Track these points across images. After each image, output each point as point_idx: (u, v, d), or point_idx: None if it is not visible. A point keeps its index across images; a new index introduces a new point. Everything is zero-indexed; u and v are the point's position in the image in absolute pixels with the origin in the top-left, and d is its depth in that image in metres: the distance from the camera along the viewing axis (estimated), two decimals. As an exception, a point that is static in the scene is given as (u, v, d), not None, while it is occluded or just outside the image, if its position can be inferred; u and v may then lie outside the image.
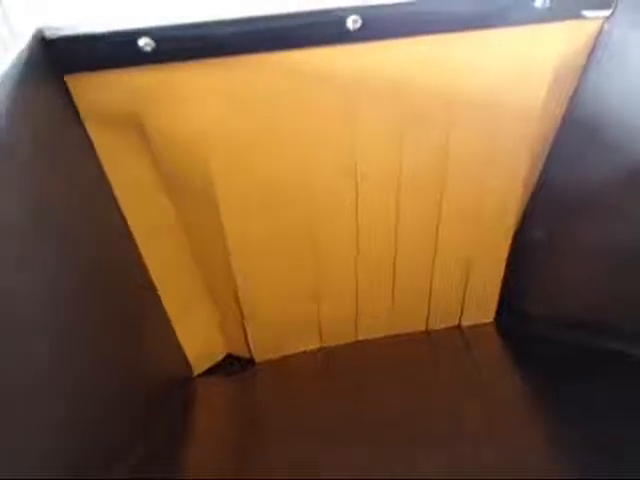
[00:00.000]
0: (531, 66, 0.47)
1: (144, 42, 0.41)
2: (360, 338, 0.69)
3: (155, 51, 0.41)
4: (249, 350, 0.67)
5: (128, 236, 0.53)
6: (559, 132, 0.54)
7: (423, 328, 0.70)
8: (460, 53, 0.45)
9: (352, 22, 0.42)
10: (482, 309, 0.69)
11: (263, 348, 0.66)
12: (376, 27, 0.42)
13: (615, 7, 0.45)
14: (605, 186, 0.52)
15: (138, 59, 0.41)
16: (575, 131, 0.53)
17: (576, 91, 0.51)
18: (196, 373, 0.67)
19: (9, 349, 0.33)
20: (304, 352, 0.68)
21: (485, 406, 0.59)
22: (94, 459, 0.46)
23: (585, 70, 0.50)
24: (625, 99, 0.48)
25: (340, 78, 0.44)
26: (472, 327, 0.70)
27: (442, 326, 0.70)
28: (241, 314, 0.62)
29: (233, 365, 0.68)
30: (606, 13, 0.45)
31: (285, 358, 0.68)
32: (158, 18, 0.41)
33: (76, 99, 0.43)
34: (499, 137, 0.52)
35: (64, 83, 0.42)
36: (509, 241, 0.63)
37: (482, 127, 0.51)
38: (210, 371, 0.68)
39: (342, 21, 0.42)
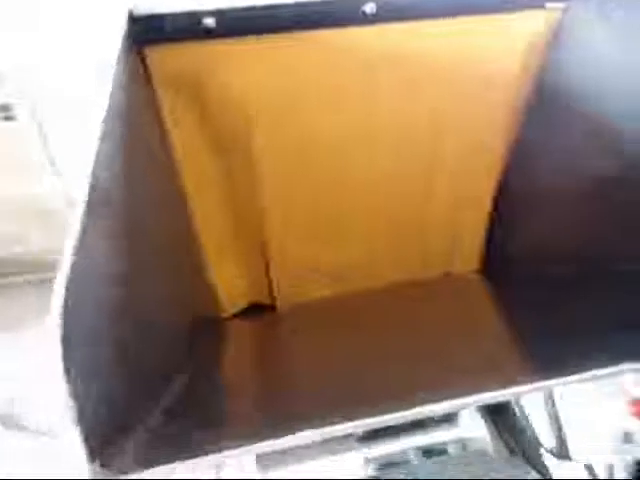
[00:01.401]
0: (504, 45, 0.61)
1: (208, 21, 0.52)
2: (368, 285, 0.80)
3: (216, 28, 0.53)
4: (271, 298, 0.77)
5: (181, 187, 0.63)
6: (533, 99, 0.67)
7: (419, 275, 0.81)
8: (451, 34, 0.58)
9: (369, 8, 0.54)
10: (470, 257, 0.81)
11: (285, 294, 0.77)
12: (387, 12, 0.55)
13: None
14: (571, 141, 0.64)
15: (203, 34, 0.53)
16: (546, 98, 0.65)
17: (544, 65, 0.64)
18: (224, 316, 0.77)
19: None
20: (320, 298, 0.79)
21: (471, 335, 0.69)
22: (159, 369, 0.55)
23: (550, 49, 0.63)
24: (582, 74, 0.61)
25: (361, 52, 0.57)
26: (461, 274, 0.82)
27: (434, 274, 0.82)
28: (267, 262, 0.73)
29: (256, 311, 0.78)
30: (561, 5, 0.59)
31: (303, 304, 0.78)
32: (220, 1, 0.52)
33: (151, 67, 0.54)
34: (484, 102, 0.65)
35: (143, 53, 0.53)
36: (492, 193, 0.75)
37: (470, 93, 0.63)
38: (236, 316, 0.78)
39: (360, 7, 0.54)
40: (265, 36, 0.54)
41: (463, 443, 0.95)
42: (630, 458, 0.73)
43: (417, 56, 0.58)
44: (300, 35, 0.55)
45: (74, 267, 0.30)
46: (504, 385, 0.42)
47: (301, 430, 0.36)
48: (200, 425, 0.43)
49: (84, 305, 0.31)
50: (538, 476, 0.81)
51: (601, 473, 0.80)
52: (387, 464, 0.88)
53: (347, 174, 0.67)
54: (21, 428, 1.19)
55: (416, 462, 0.88)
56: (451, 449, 0.93)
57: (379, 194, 0.70)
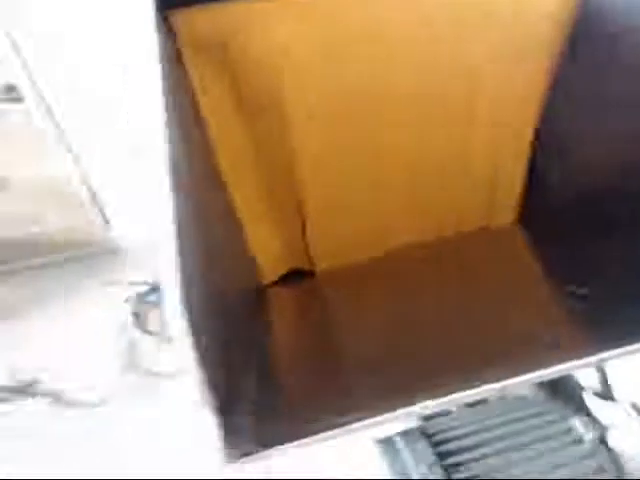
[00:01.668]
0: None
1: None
2: (404, 244, 0.79)
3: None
4: (310, 263, 0.77)
5: (216, 159, 0.62)
6: (570, 40, 0.64)
7: (454, 230, 0.80)
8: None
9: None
10: (508, 210, 0.79)
11: (322, 258, 0.76)
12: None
13: None
14: (609, 80, 0.61)
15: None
16: (586, 37, 0.62)
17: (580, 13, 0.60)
18: (265, 283, 0.77)
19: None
20: (358, 262, 0.78)
21: (517, 298, 0.69)
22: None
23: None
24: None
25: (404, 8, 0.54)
26: (500, 228, 0.81)
27: (471, 227, 0.80)
28: (303, 226, 0.72)
29: (296, 277, 0.78)
30: None
31: (342, 268, 0.78)
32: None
33: (178, 32, 0.51)
34: (522, 43, 0.62)
35: (166, 17, 0.51)
36: (532, 134, 0.72)
37: (507, 36, 0.60)
38: (277, 283, 0.78)
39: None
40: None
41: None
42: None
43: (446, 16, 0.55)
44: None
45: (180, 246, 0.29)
46: (561, 358, 0.41)
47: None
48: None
49: (190, 278, 0.31)
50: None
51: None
52: (431, 415, 0.90)
53: (382, 127, 0.65)
54: (71, 404, 1.24)
55: (458, 412, 0.90)
56: (490, 396, 0.94)
57: (417, 141, 0.68)
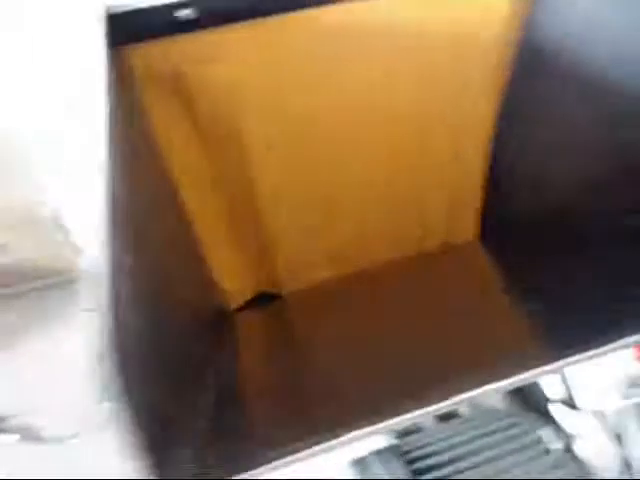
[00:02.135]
0: (485, 10, 0.60)
1: (186, 13, 0.51)
2: (368, 261, 0.80)
3: (196, 20, 0.51)
4: (277, 286, 0.78)
5: (171, 184, 0.62)
6: (518, 59, 0.67)
7: (418, 249, 0.82)
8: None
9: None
10: (469, 226, 0.82)
11: (287, 279, 0.77)
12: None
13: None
14: (559, 95, 0.64)
15: (182, 27, 0.51)
16: (531, 56, 0.65)
17: (528, 17, 0.63)
18: (231, 310, 0.77)
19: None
20: (323, 282, 0.79)
21: (478, 311, 0.71)
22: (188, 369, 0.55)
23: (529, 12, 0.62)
24: (566, 26, 0.61)
25: (349, 28, 0.56)
26: (461, 244, 0.83)
27: (433, 246, 0.82)
28: (266, 249, 0.73)
29: (263, 300, 0.79)
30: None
31: (308, 289, 0.79)
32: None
33: (132, 66, 0.53)
34: (470, 66, 0.65)
35: (123, 50, 0.52)
36: (487, 153, 0.75)
37: (458, 55, 0.63)
38: (241, 309, 0.78)
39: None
40: (246, 22, 0.53)
41: (474, 403, 0.97)
42: (636, 402, 0.75)
43: (408, 22, 0.58)
44: (283, 17, 0.54)
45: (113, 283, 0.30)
46: (522, 367, 0.42)
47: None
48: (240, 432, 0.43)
49: (127, 314, 0.31)
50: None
51: (611, 419, 0.83)
52: (405, 432, 0.90)
53: (340, 152, 0.66)
54: (38, 439, 1.20)
55: (432, 427, 0.91)
56: (463, 409, 0.95)
57: (373, 166, 0.70)
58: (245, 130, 0.59)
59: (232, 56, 0.54)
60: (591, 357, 0.42)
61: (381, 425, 0.40)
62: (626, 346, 0.42)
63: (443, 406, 0.42)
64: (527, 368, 0.42)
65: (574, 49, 0.60)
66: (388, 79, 0.61)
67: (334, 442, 0.38)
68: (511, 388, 0.44)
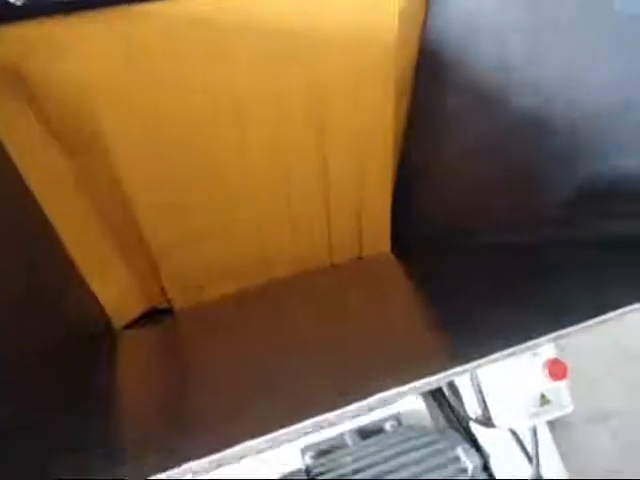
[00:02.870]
0: (377, 13, 0.55)
1: (14, -3, 0.44)
2: (270, 277, 0.75)
3: (27, 6, 0.45)
4: (165, 301, 0.72)
5: (31, 197, 0.56)
6: (416, 64, 0.63)
7: (328, 262, 0.77)
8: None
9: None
10: (379, 239, 0.78)
11: (179, 296, 0.71)
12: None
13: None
14: (457, 101, 0.61)
15: (12, 14, 0.45)
16: (427, 59, 0.61)
17: (422, 33, 0.60)
18: (117, 327, 0.70)
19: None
20: (220, 296, 0.73)
21: (388, 320, 0.67)
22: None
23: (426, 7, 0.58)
24: (458, 30, 0.57)
25: (209, 23, 0.50)
26: (373, 257, 0.79)
27: (344, 259, 0.78)
28: (153, 266, 0.67)
29: (153, 317, 0.73)
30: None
31: (202, 304, 0.73)
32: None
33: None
34: (364, 76, 0.60)
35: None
36: (392, 173, 0.72)
37: (346, 61, 0.58)
38: (130, 325, 0.72)
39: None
40: (93, 11, 0.47)
41: (398, 419, 0.95)
42: (545, 419, 0.74)
43: (275, 23, 0.52)
44: (137, 7, 0.47)
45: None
46: (429, 371, 0.40)
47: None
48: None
49: None
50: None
51: (526, 437, 0.81)
52: (323, 451, 0.87)
53: (219, 161, 0.61)
54: None
55: (353, 445, 0.87)
56: (387, 426, 0.93)
57: (265, 181, 0.64)
58: (102, 130, 0.53)
59: (78, 49, 0.48)
60: (495, 360, 0.41)
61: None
62: (528, 349, 0.41)
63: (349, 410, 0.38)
64: (434, 371, 0.41)
65: (476, 50, 0.57)
66: (260, 82, 0.56)
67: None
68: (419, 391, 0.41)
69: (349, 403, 0.38)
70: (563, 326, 0.38)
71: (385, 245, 0.79)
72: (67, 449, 0.48)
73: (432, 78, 0.60)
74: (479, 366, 0.41)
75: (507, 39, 0.51)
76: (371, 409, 0.42)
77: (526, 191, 0.57)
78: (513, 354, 0.41)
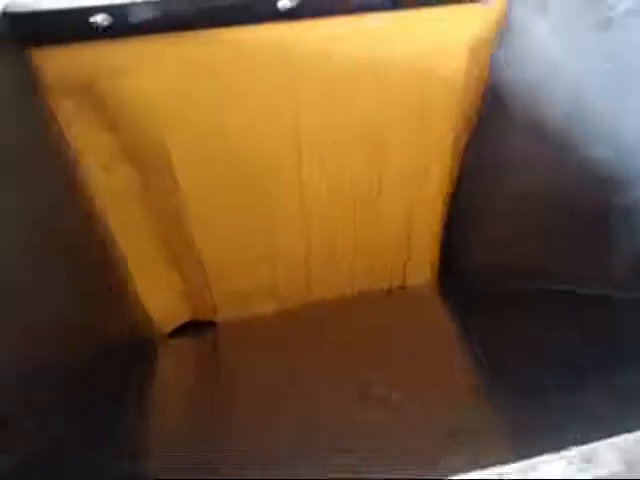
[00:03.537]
0: (449, 43, 0.54)
1: (101, 18, 0.46)
2: (313, 299, 0.74)
3: (111, 27, 0.46)
4: (210, 314, 0.72)
5: (93, 204, 0.58)
6: (480, 102, 0.61)
7: (371, 288, 0.76)
8: (382, 31, 0.52)
9: (283, 3, 0.48)
10: (424, 270, 0.76)
11: (223, 310, 0.72)
12: (304, 8, 0.49)
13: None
14: (521, 143, 0.59)
15: (96, 34, 0.47)
16: (493, 99, 0.59)
17: (490, 69, 0.59)
18: (160, 336, 0.72)
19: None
20: (262, 314, 0.73)
21: (428, 357, 0.65)
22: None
23: (496, 46, 0.57)
24: (529, 75, 0.56)
25: (277, 51, 0.50)
26: (416, 287, 0.77)
27: (388, 286, 0.77)
28: (202, 277, 0.67)
29: (194, 329, 0.73)
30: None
31: (244, 320, 0.73)
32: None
33: (38, 71, 0.48)
34: (426, 107, 0.59)
35: (27, 56, 0.47)
36: (445, 203, 0.70)
37: (410, 97, 0.57)
38: (173, 335, 0.73)
39: (274, 2, 0.48)
40: (169, 34, 0.48)
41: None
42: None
43: (344, 56, 0.52)
44: (206, 33, 0.49)
45: None
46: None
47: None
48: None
49: None
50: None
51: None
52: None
53: (277, 183, 0.61)
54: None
55: None
56: None
57: (318, 205, 0.64)
58: (168, 148, 0.54)
59: (151, 70, 0.49)
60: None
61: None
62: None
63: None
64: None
65: (549, 93, 0.55)
66: (324, 111, 0.56)
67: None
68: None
69: None
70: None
71: (430, 276, 0.77)
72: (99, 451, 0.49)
73: (497, 117, 0.58)
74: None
75: (585, 84, 0.49)
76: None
77: (588, 244, 0.54)
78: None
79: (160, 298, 0.69)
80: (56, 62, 0.47)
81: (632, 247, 0.50)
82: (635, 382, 0.42)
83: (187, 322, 0.73)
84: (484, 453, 0.42)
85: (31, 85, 0.48)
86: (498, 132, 0.61)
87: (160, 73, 0.50)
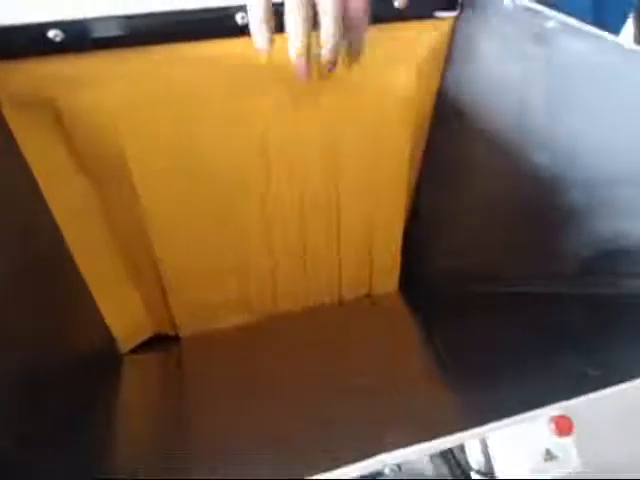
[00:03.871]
0: (399, 58, 0.56)
1: (54, 33, 0.46)
2: (279, 311, 0.75)
3: (64, 42, 0.46)
4: (174, 328, 0.72)
5: (51, 220, 0.57)
6: (434, 116, 0.64)
7: (336, 299, 0.77)
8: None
9: (240, 18, 0.49)
10: (388, 279, 0.78)
11: (187, 325, 0.71)
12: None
13: (461, 9, 0.55)
14: (475, 153, 0.61)
15: (49, 49, 0.46)
16: (446, 112, 0.62)
17: (441, 83, 0.61)
18: (123, 352, 0.70)
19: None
20: (227, 327, 0.73)
21: (396, 363, 0.66)
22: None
23: (446, 64, 0.59)
24: (477, 88, 0.59)
25: (238, 65, 0.51)
26: (382, 295, 0.79)
27: (354, 296, 0.78)
28: (164, 292, 0.67)
29: (159, 343, 0.73)
30: (454, 14, 0.55)
31: (209, 334, 0.73)
32: (67, 11, 0.46)
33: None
34: (382, 120, 0.61)
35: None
36: (405, 213, 0.72)
37: (364, 111, 0.59)
38: (136, 350, 0.72)
39: (231, 17, 0.49)
40: (124, 49, 0.48)
41: (399, 464, 0.93)
42: (551, 476, 0.71)
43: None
44: (165, 48, 0.49)
45: None
46: (441, 431, 0.37)
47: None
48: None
49: None
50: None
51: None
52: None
53: (241, 198, 0.61)
54: None
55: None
56: (387, 470, 0.91)
57: (281, 218, 0.65)
58: (127, 160, 0.54)
59: (111, 83, 0.49)
60: (504, 426, 0.38)
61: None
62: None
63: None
64: (446, 432, 0.38)
65: (495, 107, 0.58)
66: (283, 124, 0.57)
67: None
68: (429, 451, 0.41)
69: (355, 460, 0.36)
70: (574, 393, 0.37)
71: (393, 284, 0.79)
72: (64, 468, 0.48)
73: (451, 129, 0.61)
74: (491, 430, 0.39)
75: (527, 100, 0.52)
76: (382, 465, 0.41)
77: (539, 245, 0.57)
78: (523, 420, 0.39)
79: (122, 314, 0.68)
80: (13, 76, 0.47)
81: (576, 246, 0.53)
82: (569, 360, 0.47)
83: (152, 337, 0.72)
84: (435, 424, 0.44)
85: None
86: (453, 142, 0.63)
87: (117, 87, 0.50)
